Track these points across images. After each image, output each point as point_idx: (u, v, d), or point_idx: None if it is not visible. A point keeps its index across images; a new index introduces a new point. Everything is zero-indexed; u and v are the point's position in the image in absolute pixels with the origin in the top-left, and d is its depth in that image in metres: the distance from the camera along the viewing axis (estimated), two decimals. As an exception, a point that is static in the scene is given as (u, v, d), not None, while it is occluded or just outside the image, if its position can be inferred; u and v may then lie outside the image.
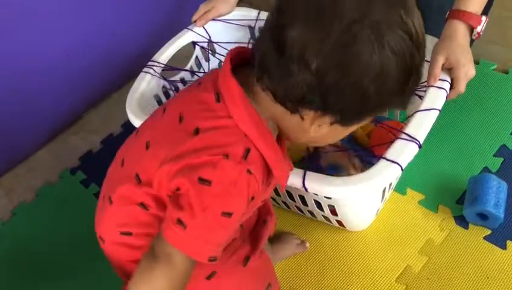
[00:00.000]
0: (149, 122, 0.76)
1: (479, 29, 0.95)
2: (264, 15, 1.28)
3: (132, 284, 0.64)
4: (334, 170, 1.02)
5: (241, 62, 0.66)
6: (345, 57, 0.55)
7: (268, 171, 0.67)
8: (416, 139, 0.85)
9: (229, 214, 0.62)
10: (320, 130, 0.63)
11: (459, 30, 0.95)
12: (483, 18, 0.95)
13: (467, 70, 0.93)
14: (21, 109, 1.44)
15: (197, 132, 0.64)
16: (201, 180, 0.61)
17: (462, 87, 0.95)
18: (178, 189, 0.63)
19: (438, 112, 0.90)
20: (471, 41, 0.97)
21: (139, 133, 0.75)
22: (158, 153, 0.65)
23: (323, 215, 1.06)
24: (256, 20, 1.27)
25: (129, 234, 0.72)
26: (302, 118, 0.62)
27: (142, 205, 0.69)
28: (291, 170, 0.79)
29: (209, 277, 0.77)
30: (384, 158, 0.83)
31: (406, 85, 0.59)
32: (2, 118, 1.41)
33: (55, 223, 1.34)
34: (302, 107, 0.60)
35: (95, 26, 1.51)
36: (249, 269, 0.83)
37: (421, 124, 0.88)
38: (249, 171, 0.62)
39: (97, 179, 1.39)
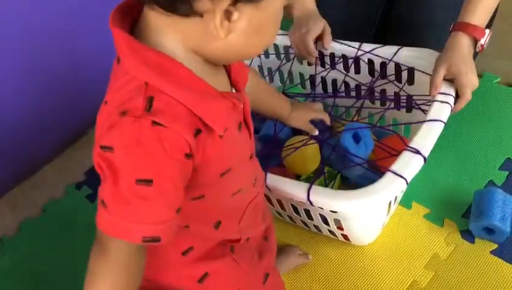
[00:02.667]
0: None
1: (482, 41, 0.95)
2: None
3: (84, 285, 0.59)
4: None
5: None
6: None
7: (201, 118, 0.56)
8: (421, 153, 0.85)
9: (146, 181, 0.52)
10: (235, 27, 0.52)
11: (462, 41, 0.96)
12: (487, 31, 0.95)
13: (470, 78, 0.93)
14: (26, 125, 1.45)
15: (105, 103, 0.57)
16: (104, 148, 0.53)
17: (468, 94, 0.94)
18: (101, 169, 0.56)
19: (442, 124, 0.90)
20: (475, 54, 0.98)
21: None
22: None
23: (328, 230, 1.06)
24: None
25: None
26: (202, 15, 0.51)
27: None
28: (243, 104, 0.66)
29: None
30: (390, 171, 0.83)
31: None
32: (8, 134, 1.42)
33: (61, 238, 1.34)
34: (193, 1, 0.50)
35: (101, 41, 1.52)
36: (268, 286, 0.82)
37: (426, 138, 0.88)
38: (155, 123, 0.51)
39: (102, 194, 1.39)
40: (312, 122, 1.05)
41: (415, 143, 0.87)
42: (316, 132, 1.05)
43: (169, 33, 0.53)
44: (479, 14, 0.96)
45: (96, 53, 1.52)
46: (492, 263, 1.04)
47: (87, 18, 1.45)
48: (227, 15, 0.51)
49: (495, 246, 1.06)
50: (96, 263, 0.58)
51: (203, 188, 0.62)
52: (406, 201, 1.16)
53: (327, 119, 1.06)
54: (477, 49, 0.97)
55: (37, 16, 1.34)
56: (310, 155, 1.09)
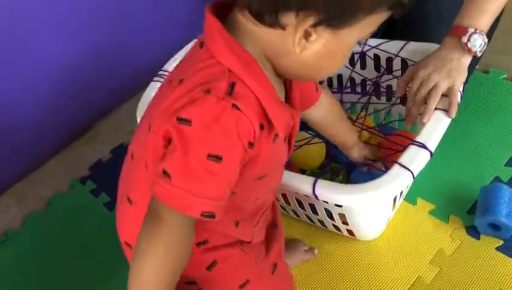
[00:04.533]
0: (149, 104, 0.71)
1: (464, 39, 0.91)
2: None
3: (132, 259, 0.59)
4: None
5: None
6: None
7: (266, 116, 0.60)
8: (427, 147, 0.84)
9: (217, 158, 0.55)
10: (310, 47, 0.57)
11: (445, 43, 0.95)
12: (471, 29, 0.91)
13: (431, 77, 0.91)
14: (31, 119, 1.45)
15: (181, 81, 0.59)
16: (180, 120, 0.55)
17: (421, 91, 0.91)
18: (165, 140, 0.58)
19: (449, 119, 0.90)
20: (475, 59, 0.95)
21: (142, 120, 0.70)
22: (153, 124, 0.60)
23: (333, 225, 1.06)
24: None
25: None
26: (284, 28, 0.55)
27: None
28: (294, 122, 0.69)
29: (242, 286, 0.76)
30: (396, 162, 0.83)
31: None
32: (13, 129, 1.42)
33: (65, 232, 1.34)
34: (281, 12, 0.54)
35: (105, 37, 1.52)
36: (277, 276, 0.82)
37: (432, 132, 0.88)
38: (235, 106, 0.55)
39: (107, 189, 1.40)
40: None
41: (421, 137, 0.87)
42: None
43: (251, 37, 0.58)
44: (469, 15, 0.93)
45: (103, 48, 1.53)
46: (497, 260, 1.04)
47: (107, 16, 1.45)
48: (306, 34, 0.56)
49: (501, 242, 1.06)
50: (151, 234, 0.58)
51: (239, 185, 0.63)
52: (411, 197, 1.16)
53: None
54: (465, 50, 0.92)
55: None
56: (315, 152, 1.09)
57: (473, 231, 1.08)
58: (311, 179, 0.86)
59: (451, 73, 0.91)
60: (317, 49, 0.57)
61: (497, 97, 1.33)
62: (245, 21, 0.57)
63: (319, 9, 0.53)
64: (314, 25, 0.54)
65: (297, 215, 1.15)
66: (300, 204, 1.05)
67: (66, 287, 1.22)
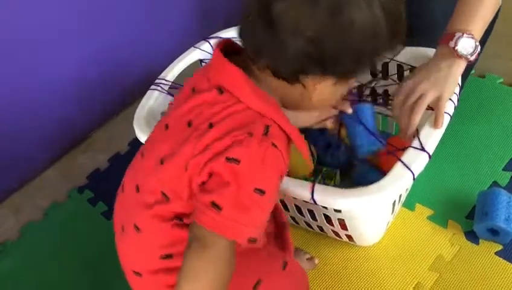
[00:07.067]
0: (154, 139, 0.74)
1: (452, 44, 0.89)
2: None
3: (178, 285, 0.63)
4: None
5: (231, 52, 0.68)
6: (338, 21, 0.58)
7: (288, 140, 0.68)
8: (425, 150, 0.85)
9: (261, 191, 0.62)
10: (323, 92, 0.66)
11: (437, 52, 0.94)
12: (457, 34, 0.89)
13: (420, 86, 0.89)
14: (29, 129, 1.45)
15: (211, 125, 0.64)
16: (230, 160, 0.61)
17: (409, 99, 0.90)
18: (210, 176, 0.63)
19: (448, 117, 0.90)
20: (469, 64, 0.93)
21: (146, 154, 0.73)
22: (180, 159, 0.65)
23: (332, 230, 1.06)
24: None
25: (170, 256, 0.70)
26: (304, 86, 0.64)
27: (177, 218, 0.68)
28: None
29: (255, 286, 0.76)
30: (398, 163, 0.83)
31: (396, 35, 0.63)
32: (10, 138, 1.42)
33: (63, 242, 1.34)
34: (302, 75, 0.63)
35: (101, 46, 1.52)
36: (289, 274, 0.83)
37: (430, 134, 0.88)
38: (273, 145, 0.63)
39: (105, 198, 1.39)
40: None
41: (418, 140, 0.87)
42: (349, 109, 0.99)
43: (271, 86, 0.66)
44: (459, 21, 0.92)
45: (100, 58, 1.53)
46: (497, 264, 1.03)
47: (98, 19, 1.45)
48: (322, 86, 0.65)
49: (500, 247, 1.06)
50: (198, 260, 0.62)
51: None
52: (409, 203, 1.16)
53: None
54: (455, 55, 0.90)
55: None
56: (300, 162, 1.08)
57: (472, 236, 1.08)
58: (309, 184, 0.85)
59: (439, 82, 0.89)
60: (327, 93, 0.67)
61: (494, 101, 1.34)
62: (262, 73, 0.65)
63: (336, 74, 0.63)
64: (331, 84, 0.65)
65: (296, 222, 1.14)
66: (299, 210, 1.04)
67: (64, 298, 1.21)
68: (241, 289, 0.68)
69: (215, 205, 0.61)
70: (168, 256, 0.69)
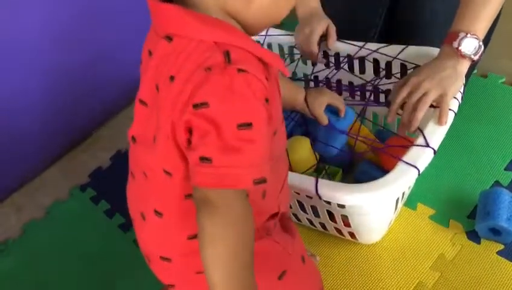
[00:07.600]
0: (135, 122, 0.71)
1: (455, 44, 0.91)
2: (272, 31, 1.28)
3: (201, 255, 0.58)
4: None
5: None
6: None
7: (263, 65, 0.60)
8: (430, 145, 0.85)
9: (247, 125, 0.55)
10: None
11: (440, 51, 0.94)
12: (461, 34, 0.91)
13: (422, 85, 0.89)
14: (31, 127, 1.45)
15: (172, 79, 0.58)
16: (197, 106, 0.54)
17: (412, 98, 0.90)
18: (190, 133, 0.57)
19: (453, 114, 0.90)
20: (473, 64, 0.94)
21: (138, 140, 0.70)
22: (164, 129, 0.60)
23: (335, 227, 1.06)
24: (265, 35, 1.28)
25: (196, 236, 0.64)
26: None
27: (190, 195, 0.62)
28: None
29: (280, 277, 0.74)
30: (402, 161, 0.83)
31: None
32: (12, 136, 1.42)
33: (65, 240, 1.34)
34: None
35: (103, 45, 1.52)
36: (307, 266, 0.82)
37: (435, 129, 0.88)
38: (241, 70, 0.55)
39: (107, 196, 1.39)
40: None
41: (424, 136, 0.87)
42: (326, 122, 1.02)
43: (209, 3, 0.58)
44: (463, 20, 0.93)
45: (101, 56, 1.53)
46: (498, 264, 1.03)
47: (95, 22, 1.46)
48: None
49: (501, 246, 1.06)
50: (210, 223, 0.57)
51: None
52: (411, 202, 1.16)
53: (342, 107, 1.02)
54: (458, 55, 0.91)
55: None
56: (303, 157, 1.08)
57: (474, 236, 1.08)
58: (313, 179, 0.86)
59: (443, 81, 0.90)
60: None
61: (496, 101, 1.34)
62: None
63: None
64: None
65: (298, 220, 1.15)
66: (302, 207, 1.04)
67: (66, 296, 1.22)
68: (267, 280, 0.65)
69: (204, 159, 0.55)
70: (195, 236, 0.64)
